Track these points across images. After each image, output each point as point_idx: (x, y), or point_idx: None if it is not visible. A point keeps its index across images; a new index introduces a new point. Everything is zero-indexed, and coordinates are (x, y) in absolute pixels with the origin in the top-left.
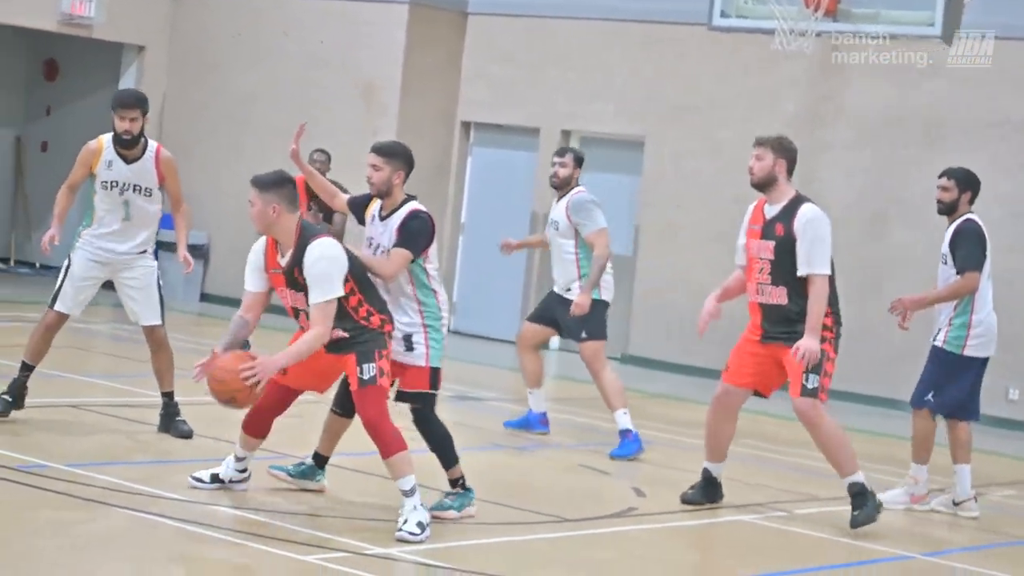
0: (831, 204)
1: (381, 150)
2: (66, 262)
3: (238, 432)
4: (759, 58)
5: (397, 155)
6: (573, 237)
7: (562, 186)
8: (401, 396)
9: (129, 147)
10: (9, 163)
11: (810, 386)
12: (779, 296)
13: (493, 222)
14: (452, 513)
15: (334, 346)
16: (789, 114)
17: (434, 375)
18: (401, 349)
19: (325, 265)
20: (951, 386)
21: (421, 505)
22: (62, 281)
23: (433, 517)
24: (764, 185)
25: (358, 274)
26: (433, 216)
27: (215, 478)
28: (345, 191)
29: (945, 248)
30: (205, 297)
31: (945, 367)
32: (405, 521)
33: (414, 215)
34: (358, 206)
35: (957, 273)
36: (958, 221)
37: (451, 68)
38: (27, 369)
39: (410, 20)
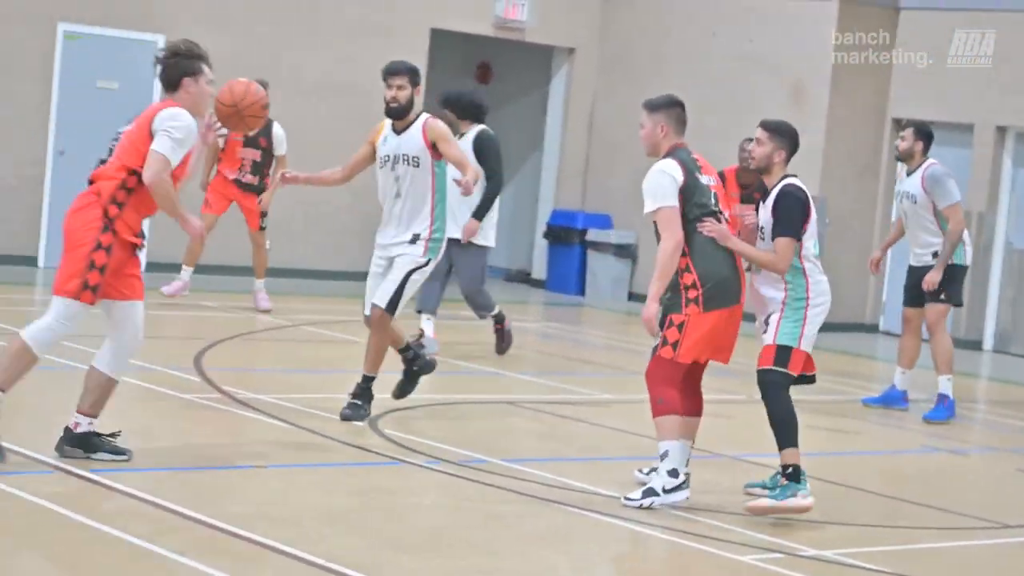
0: None
1: (767, 125)
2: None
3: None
4: None
5: (782, 133)
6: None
7: (906, 159)
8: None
9: (397, 116)
10: None
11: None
12: None
13: None
14: (766, 500)
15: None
16: None
17: (780, 353)
18: (761, 328)
19: None
20: None
21: (669, 472)
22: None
23: (747, 493)
24: None
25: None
26: (861, 213)
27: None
28: None
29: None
30: (632, 297)
31: None
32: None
33: (784, 192)
34: None
35: None
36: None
37: (881, 64)
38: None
39: (840, 16)
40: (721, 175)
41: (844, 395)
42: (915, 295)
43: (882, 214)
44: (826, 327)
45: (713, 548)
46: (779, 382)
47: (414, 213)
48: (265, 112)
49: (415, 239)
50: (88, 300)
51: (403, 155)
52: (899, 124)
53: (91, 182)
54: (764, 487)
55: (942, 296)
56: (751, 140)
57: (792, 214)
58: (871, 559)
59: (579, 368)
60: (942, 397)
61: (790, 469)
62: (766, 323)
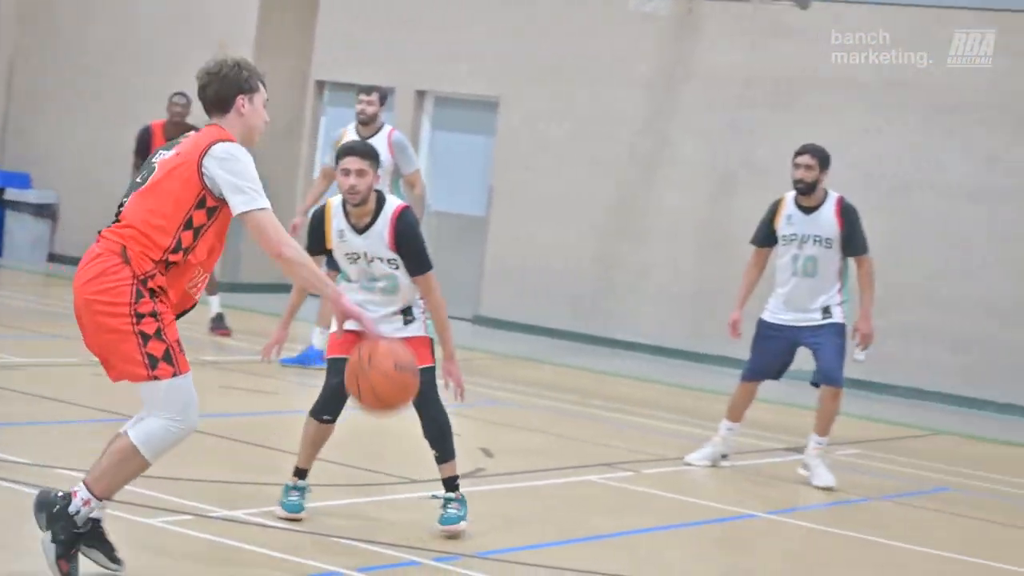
0: (686, 164)
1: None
2: None
3: None
4: (614, 19)
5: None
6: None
7: (368, 123)
8: None
9: None
10: None
11: None
12: None
13: None
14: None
15: None
16: (644, 76)
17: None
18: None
19: None
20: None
21: None
22: None
23: (448, 536)
24: None
25: None
26: (284, 176)
27: None
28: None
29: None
30: (53, 258)
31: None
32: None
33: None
34: None
35: (856, 254)
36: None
37: (306, 26)
38: None
39: None
40: (149, 129)
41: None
42: None
43: (304, 176)
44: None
45: (125, 513)
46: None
47: None
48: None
49: None
50: (168, 373)
51: None
52: (321, 86)
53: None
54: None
55: None
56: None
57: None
58: (269, 517)
59: None
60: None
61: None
62: None
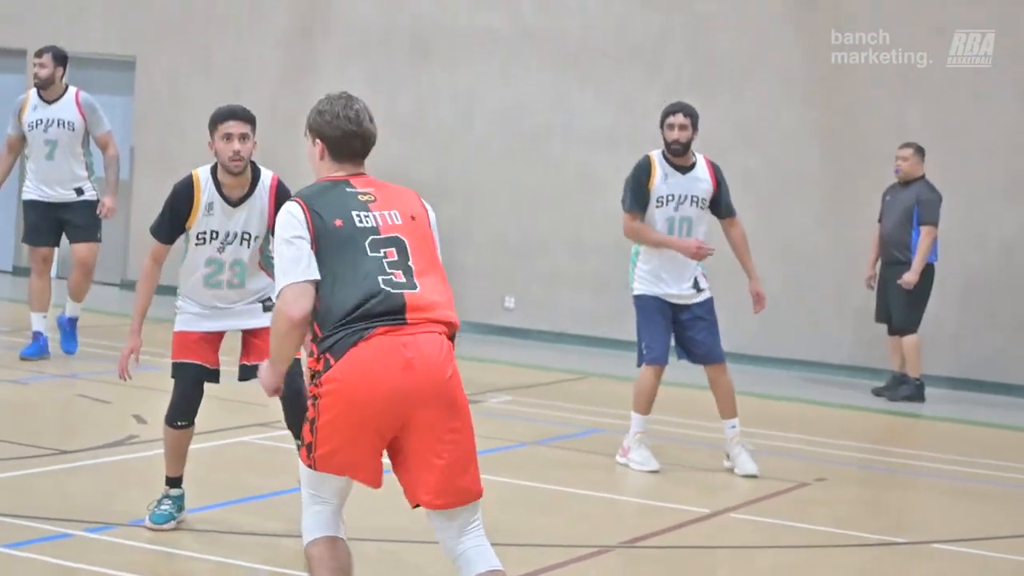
0: None
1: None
2: None
3: None
4: None
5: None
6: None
7: (47, 86)
8: None
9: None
10: None
11: None
12: None
13: None
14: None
15: None
16: (283, 29)
17: None
18: None
19: None
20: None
21: None
22: None
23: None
24: None
25: None
26: None
27: None
28: None
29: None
30: None
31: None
32: None
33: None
34: None
35: (730, 215)
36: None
37: None
38: None
39: None
40: None
41: None
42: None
43: None
44: None
45: None
46: None
47: None
48: None
49: None
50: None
51: None
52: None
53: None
54: None
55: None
56: None
57: None
58: None
59: None
60: (36, 335)
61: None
62: None
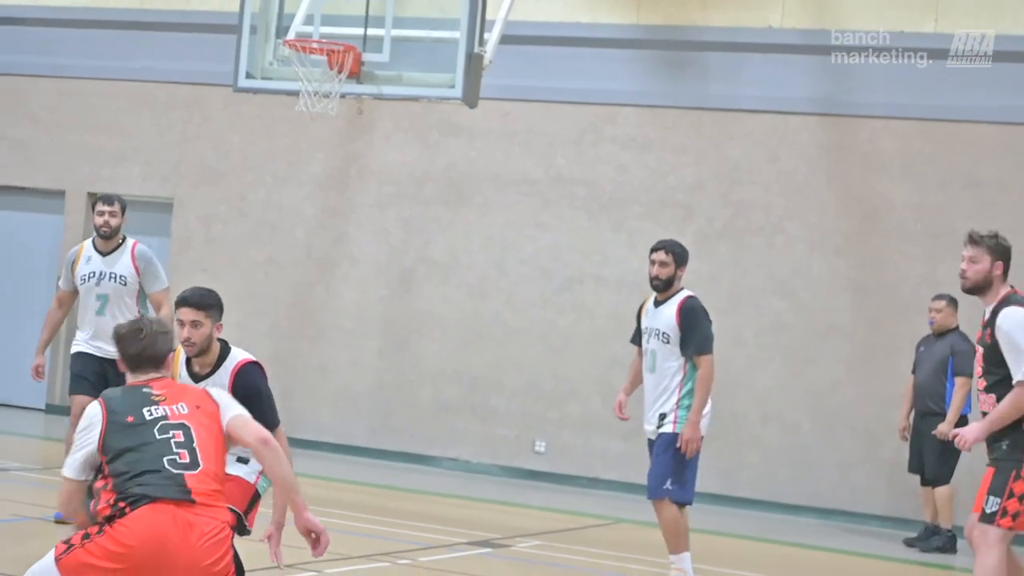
0: (363, 263)
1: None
2: None
3: None
4: (286, 119)
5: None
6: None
7: (111, 236)
8: None
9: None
10: None
11: (988, 510)
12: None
13: (17, 286)
14: None
15: None
16: (317, 175)
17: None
18: None
19: None
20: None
21: None
22: None
23: None
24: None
25: None
26: None
27: None
28: None
29: (669, 327)
30: None
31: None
32: None
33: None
34: None
35: (694, 354)
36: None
37: None
38: None
39: None
40: None
41: None
42: None
43: None
44: None
45: None
46: None
47: None
48: None
49: None
50: None
51: None
52: None
53: None
54: None
55: None
56: None
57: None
58: None
59: None
60: None
61: None
62: None
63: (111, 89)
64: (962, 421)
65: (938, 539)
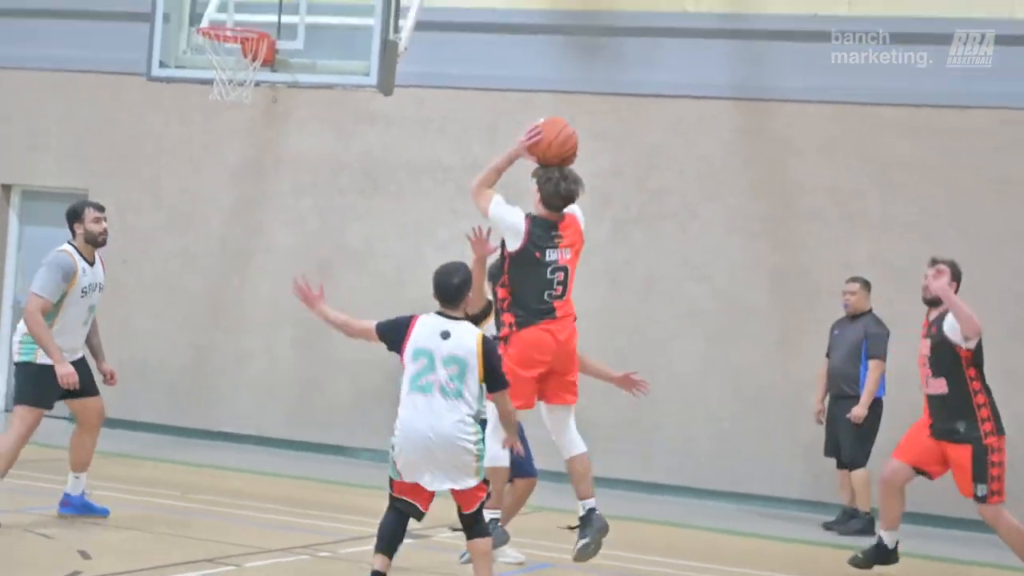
0: (279, 252)
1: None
2: None
3: None
4: (201, 108)
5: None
6: None
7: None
8: None
9: None
10: None
11: (979, 494)
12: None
13: None
14: None
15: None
16: (232, 164)
17: None
18: None
19: None
20: None
21: None
22: None
23: None
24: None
25: None
26: None
27: None
28: None
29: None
30: None
31: None
32: None
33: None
34: None
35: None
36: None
37: None
38: None
39: None
40: None
41: None
42: None
43: None
44: None
45: None
46: None
47: None
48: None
49: None
50: None
51: None
52: None
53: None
54: None
55: None
56: None
57: None
58: None
59: None
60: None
61: None
62: None
63: (23, 78)
64: (876, 404)
65: (857, 522)
